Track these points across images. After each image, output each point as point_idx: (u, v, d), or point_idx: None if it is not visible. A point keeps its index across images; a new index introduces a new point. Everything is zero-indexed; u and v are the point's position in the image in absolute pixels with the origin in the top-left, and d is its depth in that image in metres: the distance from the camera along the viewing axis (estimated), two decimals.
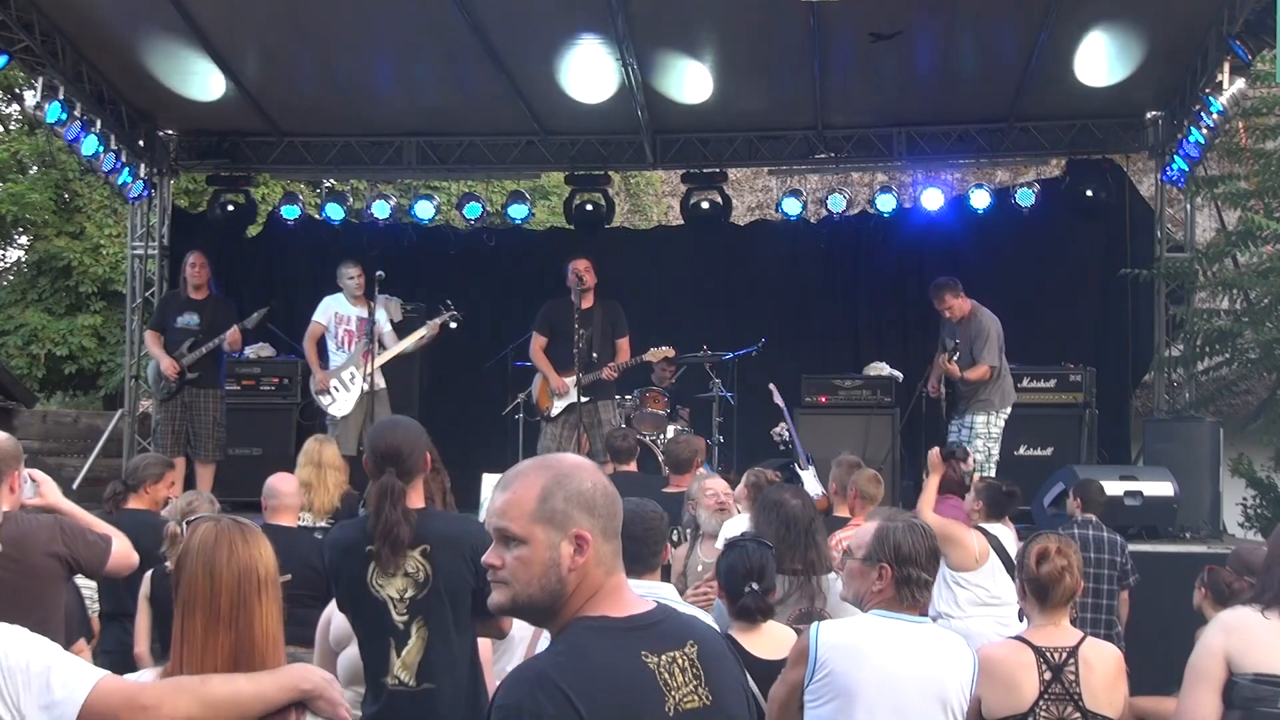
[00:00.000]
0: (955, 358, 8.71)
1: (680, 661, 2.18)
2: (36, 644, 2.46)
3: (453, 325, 9.14)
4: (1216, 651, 3.55)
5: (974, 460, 8.01)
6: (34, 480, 4.23)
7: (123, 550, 4.13)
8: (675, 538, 6.45)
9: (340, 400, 9.03)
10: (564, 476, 2.17)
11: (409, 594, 3.75)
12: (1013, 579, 5.90)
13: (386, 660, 3.76)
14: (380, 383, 8.96)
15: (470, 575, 3.77)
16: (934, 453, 6.75)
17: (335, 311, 9.17)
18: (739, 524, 5.33)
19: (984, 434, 8.81)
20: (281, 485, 5.70)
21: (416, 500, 3.82)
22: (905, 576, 3.47)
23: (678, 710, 2.13)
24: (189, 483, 9.18)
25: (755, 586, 3.86)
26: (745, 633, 3.90)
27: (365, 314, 8.99)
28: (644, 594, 3.35)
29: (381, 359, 8.97)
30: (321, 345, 9.22)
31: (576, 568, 2.14)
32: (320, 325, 9.19)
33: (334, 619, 4.35)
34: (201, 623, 2.47)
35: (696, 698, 2.17)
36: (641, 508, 3.60)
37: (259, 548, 2.57)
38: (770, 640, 3.91)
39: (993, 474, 8.30)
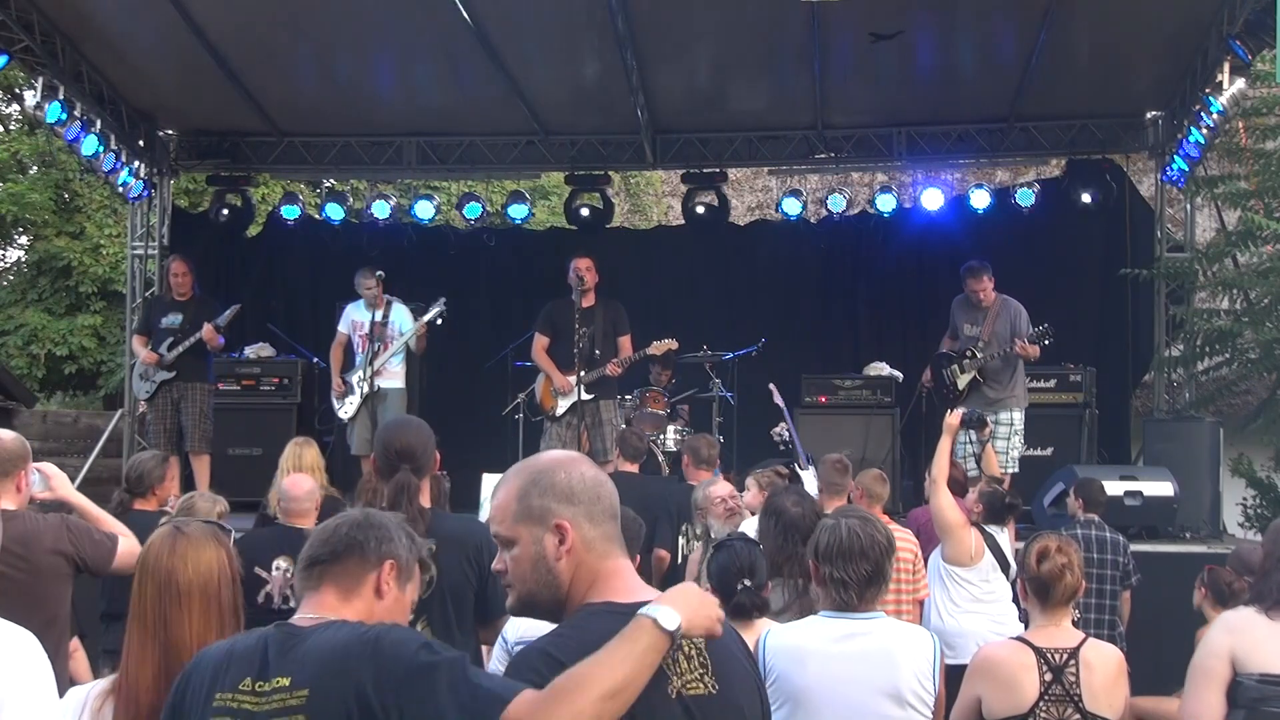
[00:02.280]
0: (983, 348, 8.77)
1: (686, 649, 2.21)
2: (8, 667, 2.48)
3: (438, 322, 9.14)
4: (1221, 652, 3.57)
5: (989, 430, 8.01)
6: (44, 474, 4.23)
7: (129, 549, 4.12)
8: (685, 534, 6.46)
9: (349, 404, 9.17)
10: (539, 474, 2.26)
11: None
12: (1007, 578, 5.94)
13: None
14: (396, 384, 9.10)
15: (473, 576, 3.78)
16: (952, 415, 6.65)
17: (353, 319, 9.26)
18: (749, 527, 5.29)
19: (1020, 429, 8.83)
20: (296, 489, 5.70)
21: (424, 500, 3.83)
22: (825, 575, 3.43)
23: (680, 694, 2.17)
24: (187, 481, 9.19)
25: (748, 583, 3.86)
26: (741, 631, 3.88)
27: (377, 318, 9.06)
28: None
29: (381, 358, 9.03)
30: (351, 351, 9.31)
31: (563, 557, 2.21)
32: (343, 334, 9.33)
33: None
34: (136, 633, 2.47)
35: (702, 685, 2.21)
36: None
37: (186, 558, 2.50)
38: None
39: (1016, 470, 8.41)
